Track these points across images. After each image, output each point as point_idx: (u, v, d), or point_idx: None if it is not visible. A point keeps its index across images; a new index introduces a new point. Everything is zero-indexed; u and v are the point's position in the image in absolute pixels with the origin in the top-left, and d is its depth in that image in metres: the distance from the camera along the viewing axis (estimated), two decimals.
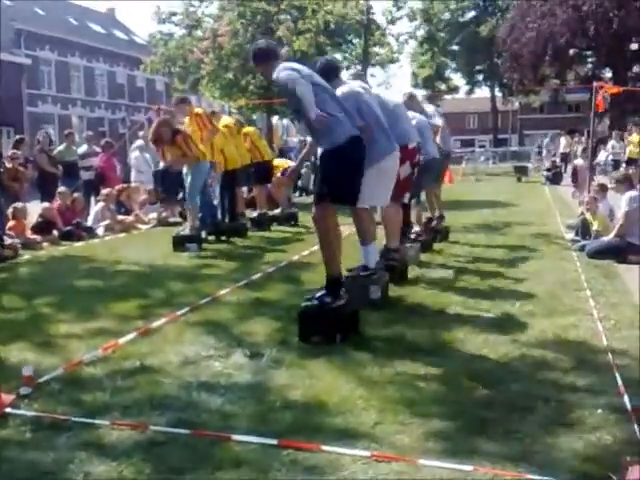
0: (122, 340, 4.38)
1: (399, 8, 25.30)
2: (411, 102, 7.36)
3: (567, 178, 19.02)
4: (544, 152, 29.47)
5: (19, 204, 9.60)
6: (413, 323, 4.76)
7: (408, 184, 6.13)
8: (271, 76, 4.62)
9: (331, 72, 5.30)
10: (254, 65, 4.94)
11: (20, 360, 4.02)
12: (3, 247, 8.11)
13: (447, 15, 47.42)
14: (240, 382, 3.63)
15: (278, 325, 4.74)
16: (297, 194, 13.89)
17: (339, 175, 4.48)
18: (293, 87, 4.33)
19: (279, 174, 10.39)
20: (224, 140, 9.55)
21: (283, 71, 4.48)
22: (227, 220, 9.95)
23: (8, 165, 10.31)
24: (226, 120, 10.54)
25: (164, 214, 11.66)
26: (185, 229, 8.68)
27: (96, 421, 3.12)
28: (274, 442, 2.87)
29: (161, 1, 28.05)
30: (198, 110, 9.28)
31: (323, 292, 4.45)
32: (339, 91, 5.09)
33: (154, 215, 11.74)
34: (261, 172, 10.73)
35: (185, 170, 8.71)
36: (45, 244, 9.26)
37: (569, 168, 22.81)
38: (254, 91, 22.05)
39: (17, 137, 12.77)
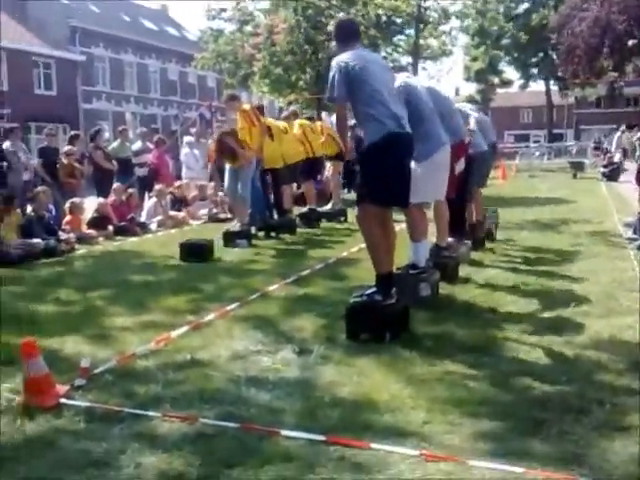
0: (174, 334, 4.46)
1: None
2: None
3: (628, 175, 18.45)
4: (613, 146, 27.79)
5: (76, 199, 9.85)
6: (464, 322, 4.69)
7: (461, 180, 6.06)
8: None
9: (351, 35, 4.80)
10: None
11: (75, 352, 4.13)
12: (59, 242, 8.35)
13: (501, 8, 46.56)
14: (288, 378, 3.65)
15: (326, 322, 4.74)
16: (345, 190, 13.84)
17: (377, 176, 4.34)
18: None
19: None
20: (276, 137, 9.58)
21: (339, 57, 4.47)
22: (275, 216, 9.99)
23: (64, 161, 10.59)
24: (268, 120, 10.58)
25: (215, 210, 11.81)
26: (236, 225, 8.76)
27: (148, 413, 3.18)
28: (322, 438, 2.87)
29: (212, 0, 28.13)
30: (246, 107, 9.28)
31: (373, 290, 4.42)
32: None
33: (205, 211, 11.90)
34: (310, 168, 10.70)
35: (228, 166, 8.79)
36: (100, 239, 9.49)
37: (629, 165, 22.23)
38: (303, 87, 22.13)
39: (72, 133, 13.09)
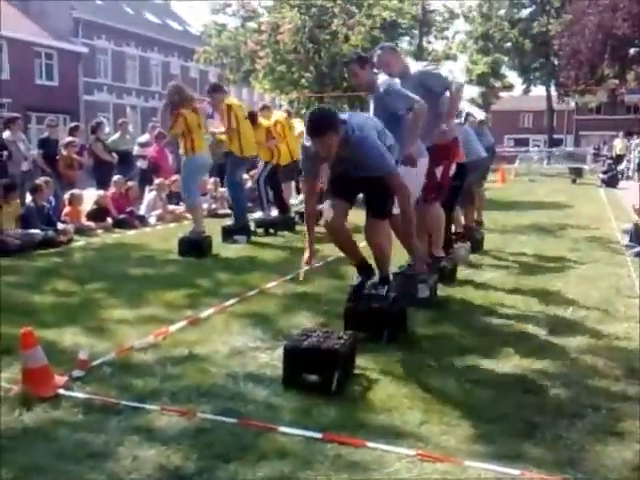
0: (172, 328, 4.47)
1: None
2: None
3: (624, 181, 18.51)
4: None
5: (76, 191, 9.85)
6: (461, 324, 4.71)
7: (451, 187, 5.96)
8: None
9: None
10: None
11: (73, 343, 4.13)
12: (58, 233, 8.34)
13: (502, 11, 46.54)
14: None
15: (324, 320, 4.76)
16: None
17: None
18: None
19: None
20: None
21: None
22: (275, 214, 9.96)
23: (64, 152, 10.58)
24: (277, 115, 10.57)
25: (214, 206, 11.80)
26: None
27: (146, 406, 3.19)
28: (318, 436, 2.88)
29: None
30: (231, 101, 8.67)
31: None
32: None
33: (204, 206, 11.89)
34: None
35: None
36: (99, 231, 9.49)
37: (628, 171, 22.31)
38: (305, 85, 22.12)
39: (72, 124, 13.06)
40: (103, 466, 2.64)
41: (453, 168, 5.81)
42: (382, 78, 5.19)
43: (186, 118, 7.56)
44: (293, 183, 11.81)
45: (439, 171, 5.62)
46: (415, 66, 5.69)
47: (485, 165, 7.65)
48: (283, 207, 10.00)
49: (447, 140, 5.59)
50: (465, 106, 8.14)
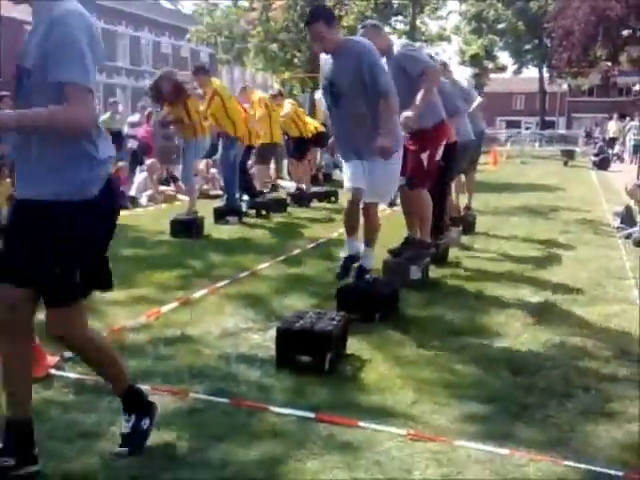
0: (164, 309, 4.46)
1: None
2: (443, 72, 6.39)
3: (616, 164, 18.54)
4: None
5: None
6: (453, 305, 4.73)
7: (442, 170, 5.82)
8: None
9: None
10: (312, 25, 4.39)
11: None
12: None
13: None
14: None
15: (316, 301, 4.77)
16: (338, 171, 13.82)
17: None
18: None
19: None
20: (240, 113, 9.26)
21: None
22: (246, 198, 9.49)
23: None
24: (259, 95, 10.43)
25: (205, 186, 11.75)
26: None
27: (138, 386, 3.18)
28: (311, 415, 2.90)
29: None
30: (215, 83, 8.53)
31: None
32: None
33: (196, 187, 11.83)
34: (297, 148, 10.70)
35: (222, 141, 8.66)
36: None
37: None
38: (298, 65, 21.98)
39: None
40: (95, 446, 2.65)
41: (440, 153, 5.44)
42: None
43: (187, 103, 7.67)
44: (272, 165, 11.75)
45: (425, 156, 5.27)
46: (398, 46, 5.47)
47: (473, 149, 7.50)
48: (252, 190, 9.61)
49: (435, 123, 5.29)
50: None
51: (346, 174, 4.61)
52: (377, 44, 4.79)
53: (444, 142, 5.45)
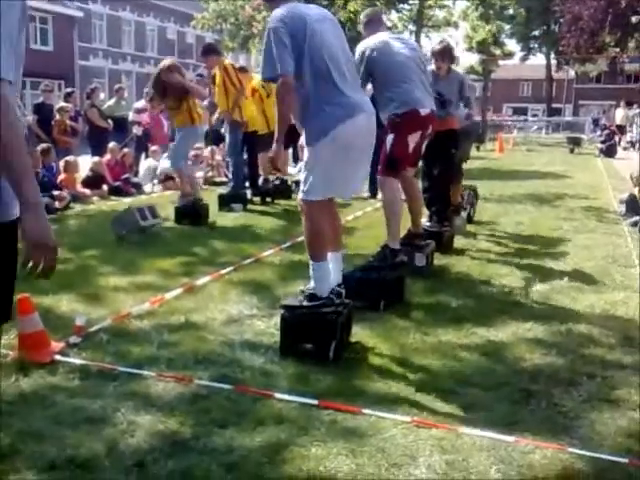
0: (168, 295, 4.46)
1: None
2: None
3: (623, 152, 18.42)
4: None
5: (71, 157, 9.75)
6: (458, 293, 4.71)
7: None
8: None
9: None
10: None
11: (69, 310, 4.13)
12: (53, 199, 8.29)
13: None
14: None
15: None
16: None
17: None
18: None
19: None
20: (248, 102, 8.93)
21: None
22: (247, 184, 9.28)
23: (57, 117, 10.46)
24: (256, 81, 10.15)
25: (210, 174, 11.74)
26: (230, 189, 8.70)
27: (143, 372, 3.19)
28: (315, 402, 2.90)
29: None
30: (227, 62, 8.55)
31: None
32: None
33: (200, 174, 11.82)
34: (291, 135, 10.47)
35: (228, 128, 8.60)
36: (95, 198, 9.43)
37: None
38: None
39: (67, 90, 12.89)
40: (99, 431, 2.65)
41: (411, 142, 4.83)
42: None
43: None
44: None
45: (413, 139, 4.80)
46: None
47: (474, 133, 7.41)
48: (255, 178, 9.39)
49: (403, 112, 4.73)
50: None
51: None
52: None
53: (418, 132, 4.83)
